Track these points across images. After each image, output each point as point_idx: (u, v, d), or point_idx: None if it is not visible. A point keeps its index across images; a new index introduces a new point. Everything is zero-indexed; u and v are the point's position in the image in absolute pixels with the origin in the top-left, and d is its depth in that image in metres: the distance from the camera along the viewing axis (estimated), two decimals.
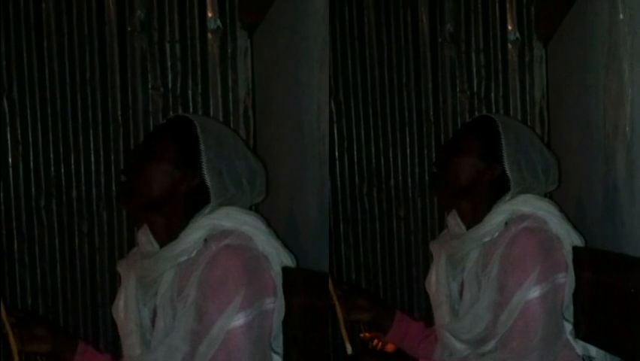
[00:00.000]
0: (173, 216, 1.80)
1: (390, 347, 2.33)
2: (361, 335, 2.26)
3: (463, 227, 2.07)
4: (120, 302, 1.85)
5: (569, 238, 2.00)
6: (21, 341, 1.87)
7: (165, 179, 1.78)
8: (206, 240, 1.76)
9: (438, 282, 2.12)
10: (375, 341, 2.33)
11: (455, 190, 2.05)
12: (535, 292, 1.93)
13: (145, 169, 1.79)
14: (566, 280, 1.97)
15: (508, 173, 2.02)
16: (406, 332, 2.22)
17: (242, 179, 1.84)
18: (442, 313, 2.09)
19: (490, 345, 1.96)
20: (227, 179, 1.81)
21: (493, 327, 1.96)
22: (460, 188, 2.04)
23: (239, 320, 1.69)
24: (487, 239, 2.01)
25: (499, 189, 2.04)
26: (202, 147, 1.80)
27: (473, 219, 2.05)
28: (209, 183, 1.79)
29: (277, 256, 1.78)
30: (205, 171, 1.79)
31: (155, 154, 1.79)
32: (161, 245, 1.80)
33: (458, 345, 2.04)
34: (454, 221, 2.11)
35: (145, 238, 1.83)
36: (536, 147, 2.08)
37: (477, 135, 2.06)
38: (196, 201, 1.80)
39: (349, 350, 2.02)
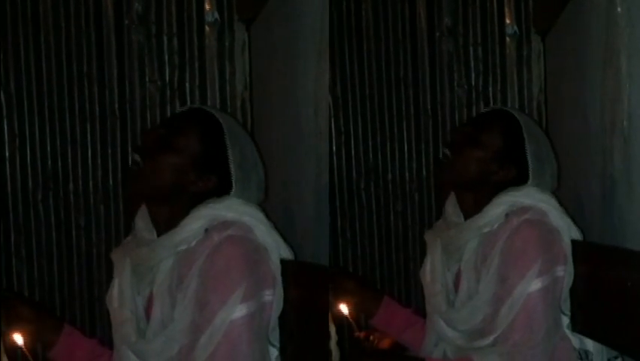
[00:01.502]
0: (177, 210, 1.78)
1: (385, 343, 2.33)
2: (356, 334, 2.26)
3: (462, 216, 2.06)
4: (114, 291, 1.84)
5: (568, 231, 1.99)
6: (5, 320, 1.86)
7: (179, 175, 1.76)
8: (206, 230, 1.74)
9: (433, 271, 2.12)
10: (372, 338, 2.33)
11: (461, 181, 2.03)
12: (536, 285, 1.92)
13: (161, 159, 1.75)
14: (565, 273, 1.97)
15: (530, 180, 2.00)
16: (391, 318, 2.21)
17: (252, 187, 1.84)
18: (437, 302, 2.08)
19: (489, 339, 1.95)
20: (242, 188, 1.81)
21: (491, 320, 1.95)
22: (466, 180, 2.02)
23: (241, 311, 1.68)
24: (486, 230, 2.00)
25: (504, 187, 2.03)
26: (230, 155, 1.78)
27: (473, 209, 2.03)
28: (234, 191, 1.78)
29: (276, 248, 1.78)
30: (234, 181, 1.78)
31: (175, 146, 1.76)
32: (159, 233, 1.79)
33: (451, 334, 2.04)
34: (452, 209, 2.09)
35: (143, 223, 1.82)
36: (550, 154, 2.07)
37: (499, 132, 2.02)
38: (203, 197, 1.79)
39: (333, 330, 2.01)
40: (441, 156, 2.07)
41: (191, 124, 1.79)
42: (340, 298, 2.15)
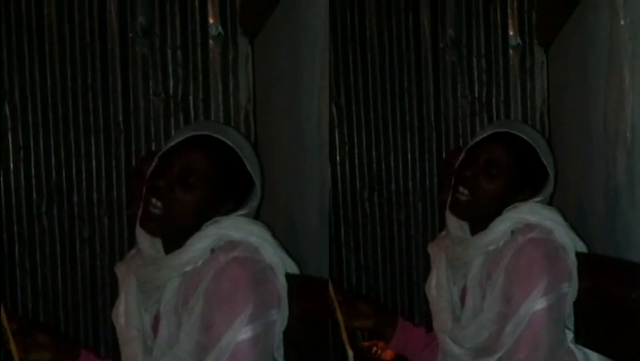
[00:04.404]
0: (190, 230, 1.76)
1: (388, 354, 2.33)
2: (359, 343, 2.26)
3: (468, 232, 2.05)
4: (120, 307, 1.82)
5: (573, 247, 1.98)
6: (23, 348, 1.87)
7: (201, 210, 1.75)
8: (212, 250, 1.73)
9: (439, 286, 2.10)
10: (374, 349, 2.33)
11: (486, 215, 2.00)
12: (542, 304, 1.90)
13: (181, 200, 1.73)
14: (570, 289, 1.96)
15: (542, 199, 2.00)
16: (408, 339, 2.21)
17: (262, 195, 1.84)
18: (443, 319, 2.08)
19: (495, 358, 1.94)
20: (257, 201, 1.82)
21: (497, 337, 1.94)
22: (491, 213, 1.99)
23: (247, 333, 1.67)
24: (492, 248, 1.99)
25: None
26: (257, 188, 1.78)
27: (481, 227, 2.02)
28: (246, 212, 1.78)
29: (283, 267, 1.77)
30: (253, 204, 1.79)
31: (194, 185, 1.73)
32: (167, 251, 1.78)
33: (458, 351, 2.03)
34: (456, 223, 2.08)
35: (147, 241, 1.79)
36: (553, 163, 2.07)
37: (515, 163, 1.99)
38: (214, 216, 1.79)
39: (350, 354, 2.01)
40: (453, 191, 2.02)
41: (206, 158, 1.75)
42: (356, 322, 2.14)
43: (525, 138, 2.02)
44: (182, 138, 1.77)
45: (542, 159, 2.00)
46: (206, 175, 1.74)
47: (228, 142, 1.78)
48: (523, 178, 2.00)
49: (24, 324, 1.93)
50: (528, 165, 2.01)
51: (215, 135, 1.78)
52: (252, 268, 1.71)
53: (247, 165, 1.77)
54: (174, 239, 1.76)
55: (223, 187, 1.76)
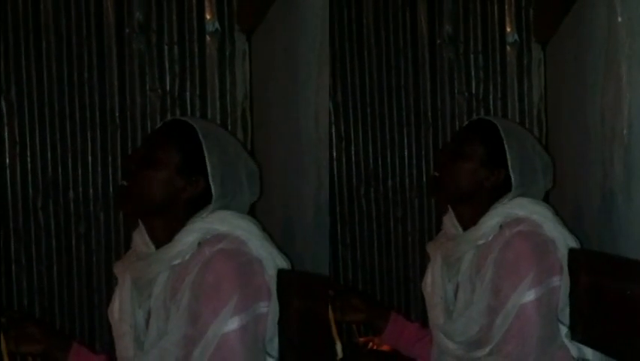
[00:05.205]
0: (173, 220, 1.79)
1: (385, 348, 2.33)
2: (355, 340, 2.26)
3: (460, 228, 2.07)
4: (115, 304, 1.85)
5: (563, 241, 2.00)
6: (14, 341, 1.87)
7: (167, 187, 1.77)
8: (200, 243, 1.75)
9: (433, 283, 2.13)
10: (371, 344, 2.33)
11: (456, 196, 2.05)
12: (530, 296, 1.93)
13: (146, 176, 1.77)
14: (561, 283, 1.97)
15: (512, 179, 2.01)
16: (400, 333, 2.22)
17: (243, 181, 1.83)
18: (436, 314, 2.10)
19: (485, 350, 1.96)
20: (229, 184, 1.81)
21: (487, 330, 1.96)
22: (460, 194, 2.04)
23: (233, 324, 1.69)
24: (481, 242, 2.01)
25: (500, 192, 2.04)
26: (206, 154, 1.78)
27: (471, 221, 2.05)
28: (213, 191, 1.78)
29: (272, 260, 1.78)
30: (210, 179, 1.78)
31: (156, 161, 1.77)
32: (158, 247, 1.80)
33: (451, 345, 2.05)
34: (449, 222, 2.11)
35: (140, 238, 1.83)
36: (536, 150, 2.09)
37: (480, 140, 2.04)
38: (198, 204, 1.80)
39: (339, 349, 2.01)
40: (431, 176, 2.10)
41: (167, 136, 1.81)
42: (348, 316, 2.15)
43: (494, 122, 2.06)
44: (154, 129, 1.85)
45: (504, 140, 2.02)
46: (165, 152, 1.78)
47: (190, 122, 1.82)
48: (491, 158, 2.03)
49: (15, 317, 1.94)
50: (496, 146, 2.03)
51: (182, 119, 1.84)
52: (237, 260, 1.73)
53: (203, 144, 1.79)
54: (150, 220, 1.80)
55: (186, 165, 1.78)
